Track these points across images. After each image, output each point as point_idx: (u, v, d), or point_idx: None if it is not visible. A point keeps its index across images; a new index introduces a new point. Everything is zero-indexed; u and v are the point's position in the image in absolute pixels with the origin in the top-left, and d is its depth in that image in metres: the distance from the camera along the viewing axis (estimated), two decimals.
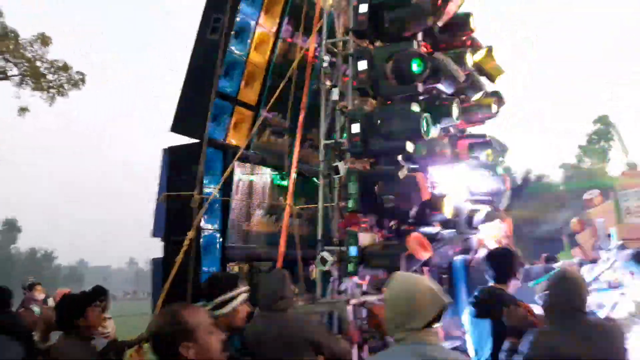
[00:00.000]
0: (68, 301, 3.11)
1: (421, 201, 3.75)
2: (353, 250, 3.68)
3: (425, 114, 3.74)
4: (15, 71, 16.16)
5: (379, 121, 3.69)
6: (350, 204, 3.76)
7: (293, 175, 4.68)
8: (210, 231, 4.36)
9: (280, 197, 5.08)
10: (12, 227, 55.49)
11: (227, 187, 4.53)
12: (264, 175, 4.99)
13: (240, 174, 4.71)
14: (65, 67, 16.19)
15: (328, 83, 4.20)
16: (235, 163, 4.55)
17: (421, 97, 4.00)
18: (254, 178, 4.85)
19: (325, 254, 3.80)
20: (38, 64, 16.13)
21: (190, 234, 4.15)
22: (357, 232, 3.77)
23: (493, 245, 4.17)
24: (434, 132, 4.00)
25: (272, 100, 4.63)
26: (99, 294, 4.44)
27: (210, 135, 4.38)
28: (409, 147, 3.73)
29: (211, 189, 4.34)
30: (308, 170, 5.21)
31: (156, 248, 4.50)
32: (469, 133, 4.90)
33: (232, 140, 4.65)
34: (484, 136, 4.70)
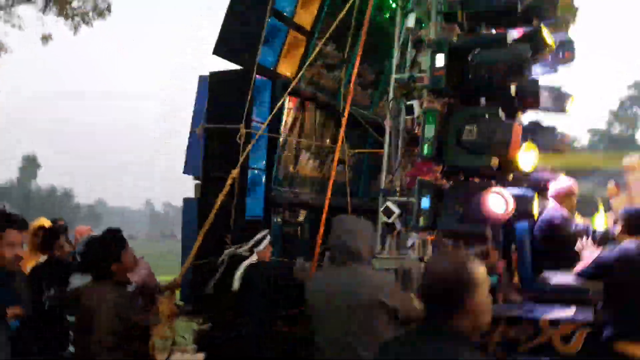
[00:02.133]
0: (99, 245, 2.64)
1: (511, 152, 3.14)
2: (425, 202, 3.13)
3: (527, 46, 3.06)
4: None
5: (473, 53, 3.01)
6: (426, 149, 3.17)
7: (346, 115, 4.08)
8: (255, 171, 3.81)
9: (328, 140, 4.46)
10: (32, 163, 55.46)
11: (275, 123, 3.94)
12: (314, 113, 4.35)
13: (290, 110, 4.09)
14: None
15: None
16: (286, 97, 3.96)
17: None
18: (304, 114, 4.27)
19: (391, 205, 3.28)
20: None
21: (235, 173, 3.63)
22: (432, 181, 3.21)
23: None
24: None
25: (331, 29, 3.93)
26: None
27: (261, 61, 3.73)
28: (518, 83, 3.08)
29: (259, 123, 3.74)
30: (358, 112, 4.63)
31: (175, 190, 3.99)
32: None
33: (283, 69, 3.99)
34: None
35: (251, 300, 3.11)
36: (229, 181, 3.65)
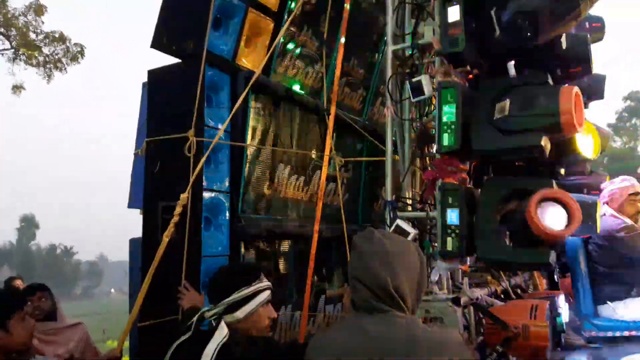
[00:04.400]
0: None
1: (567, 127, 2.17)
2: (452, 216, 2.15)
3: None
4: (7, 45, 14.66)
5: None
6: (446, 139, 2.21)
7: (332, 114, 3.22)
8: (214, 194, 2.84)
9: (313, 150, 3.55)
10: (30, 224, 54.75)
11: (239, 129, 3.03)
12: (292, 116, 3.45)
13: (258, 111, 3.15)
14: (62, 38, 14.61)
15: None
16: (251, 95, 3.04)
17: None
18: (278, 117, 3.35)
19: (403, 224, 2.29)
20: (32, 35, 14.58)
21: (184, 197, 2.64)
22: (459, 185, 2.23)
23: None
24: None
25: (298, 7, 3.10)
26: (31, 292, 3.00)
27: (211, 48, 2.86)
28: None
29: (215, 129, 2.80)
30: (349, 117, 3.81)
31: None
32: None
33: (245, 61, 3.11)
34: None
35: None
36: (177, 209, 2.66)
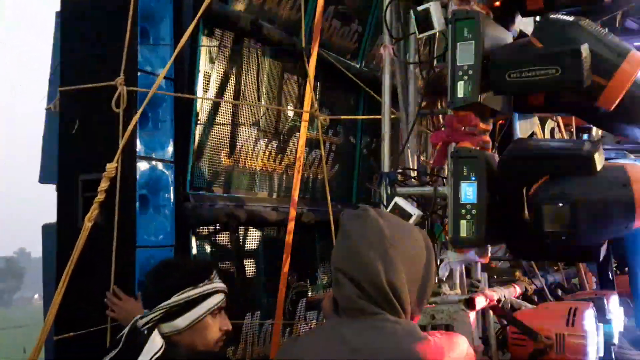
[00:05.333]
0: None
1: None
2: (469, 191, 2.19)
3: None
4: None
5: None
6: (461, 89, 2.21)
7: (313, 57, 3.25)
8: (154, 163, 2.85)
9: (290, 105, 3.56)
10: None
11: (186, 76, 3.00)
12: (260, 59, 3.44)
13: (213, 51, 3.14)
14: None
15: None
16: (202, 29, 3.05)
17: None
18: (241, 61, 3.33)
19: (402, 202, 2.32)
20: None
21: (111, 168, 2.61)
22: (478, 151, 2.24)
23: None
24: None
25: None
26: None
27: None
28: None
29: (153, 75, 2.80)
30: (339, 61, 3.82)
31: None
32: None
33: None
34: None
35: None
36: (103, 184, 2.63)
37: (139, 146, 2.79)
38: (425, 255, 1.56)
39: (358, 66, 4.15)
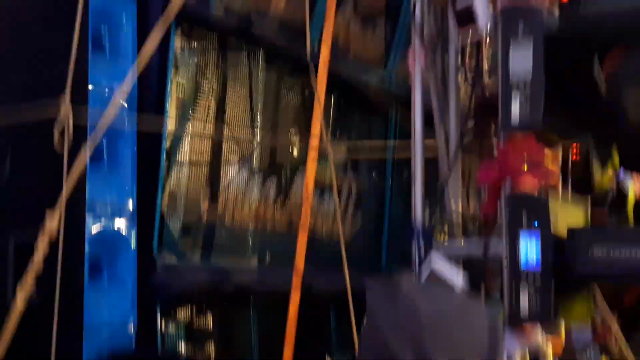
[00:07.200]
0: None
1: None
2: (530, 249, 2.34)
3: None
4: None
5: None
6: (517, 109, 2.31)
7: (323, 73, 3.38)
8: (110, 221, 3.00)
9: (292, 131, 3.66)
10: None
11: (153, 95, 3.18)
12: (252, 70, 3.63)
13: (190, 60, 3.32)
14: None
15: None
16: (175, 29, 3.22)
17: None
18: (227, 73, 3.51)
19: (442, 266, 2.42)
20: None
21: (51, 228, 2.73)
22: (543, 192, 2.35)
23: None
24: None
25: None
26: None
27: None
28: None
29: (106, 92, 2.99)
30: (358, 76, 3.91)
31: None
32: None
33: None
34: None
35: None
36: (40, 248, 2.75)
37: (88, 196, 2.93)
38: (486, 344, 1.60)
39: (386, 80, 4.25)
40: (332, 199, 3.85)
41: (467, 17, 2.55)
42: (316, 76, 3.39)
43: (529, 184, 2.37)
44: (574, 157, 2.89)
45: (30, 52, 3.11)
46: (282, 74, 3.78)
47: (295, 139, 3.77)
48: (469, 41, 2.68)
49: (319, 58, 3.44)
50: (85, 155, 2.83)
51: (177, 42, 3.24)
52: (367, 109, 4.16)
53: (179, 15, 3.05)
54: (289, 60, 3.72)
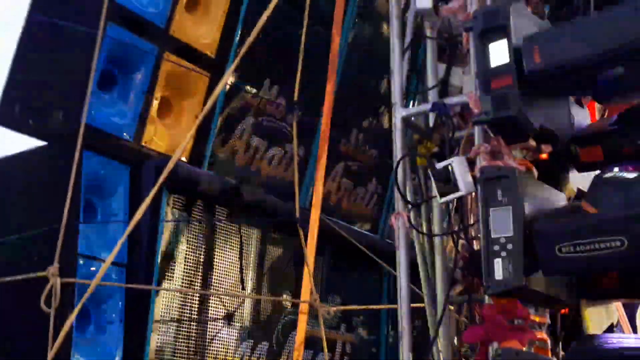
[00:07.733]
0: None
1: None
2: None
3: None
4: None
5: None
6: (500, 270, 2.35)
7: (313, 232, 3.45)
8: None
9: (285, 295, 3.70)
10: None
11: (142, 263, 3.22)
12: (241, 234, 3.69)
13: (180, 226, 3.43)
14: None
15: None
16: (167, 196, 3.30)
17: None
18: (215, 237, 3.59)
19: None
20: None
21: None
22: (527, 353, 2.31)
23: None
24: None
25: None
26: None
27: (94, 121, 3.15)
28: None
29: (97, 261, 3.04)
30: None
31: None
32: None
33: (157, 140, 3.40)
34: None
35: None
36: None
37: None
38: None
39: (378, 237, 4.30)
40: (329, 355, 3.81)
41: (445, 177, 2.59)
42: (305, 239, 3.41)
43: (514, 345, 2.35)
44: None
45: (26, 219, 3.16)
46: (274, 234, 3.87)
47: (287, 299, 3.77)
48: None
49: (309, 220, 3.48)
50: (71, 318, 2.83)
51: (168, 207, 3.31)
52: (360, 265, 4.19)
53: (169, 183, 3.14)
54: (282, 222, 3.78)
